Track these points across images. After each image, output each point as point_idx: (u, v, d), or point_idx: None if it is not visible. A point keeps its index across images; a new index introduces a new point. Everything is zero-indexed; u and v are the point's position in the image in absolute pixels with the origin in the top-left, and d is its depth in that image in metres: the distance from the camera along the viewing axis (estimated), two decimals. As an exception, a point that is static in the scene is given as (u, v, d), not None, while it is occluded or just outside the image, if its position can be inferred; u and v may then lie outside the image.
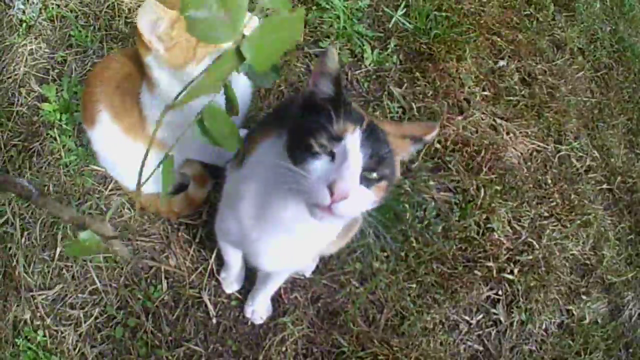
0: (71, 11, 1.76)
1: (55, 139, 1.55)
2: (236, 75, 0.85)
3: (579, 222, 1.76)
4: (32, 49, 1.71)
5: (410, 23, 1.79)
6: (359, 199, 0.71)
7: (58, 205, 0.53)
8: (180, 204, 1.39)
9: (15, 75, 1.69)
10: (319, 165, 0.71)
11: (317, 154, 0.71)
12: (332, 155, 0.71)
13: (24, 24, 1.75)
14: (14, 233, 1.48)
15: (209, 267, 1.41)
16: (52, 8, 1.76)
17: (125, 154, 1.24)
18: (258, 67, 0.49)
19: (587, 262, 1.77)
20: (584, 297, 1.72)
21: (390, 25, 1.77)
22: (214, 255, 1.41)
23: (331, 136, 0.72)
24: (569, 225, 1.75)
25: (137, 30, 1.00)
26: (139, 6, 1.73)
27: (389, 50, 1.73)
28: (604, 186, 1.89)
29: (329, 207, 0.68)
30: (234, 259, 1.32)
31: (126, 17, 1.72)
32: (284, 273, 1.25)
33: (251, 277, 1.41)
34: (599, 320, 1.71)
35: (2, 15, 1.81)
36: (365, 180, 0.72)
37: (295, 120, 0.79)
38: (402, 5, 1.81)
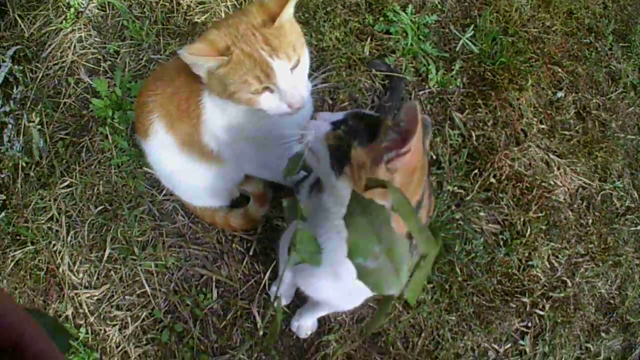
0: None
1: (106, 136, 1.49)
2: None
3: (610, 262, 1.80)
4: (81, 36, 1.62)
5: (476, 45, 1.74)
6: None
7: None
8: (238, 219, 1.38)
9: (63, 62, 1.61)
10: None
11: None
12: None
13: (72, 9, 1.64)
14: (59, 230, 1.46)
15: (263, 281, 1.42)
16: (104, -7, 1.65)
17: (180, 166, 1.20)
18: (411, 300, 0.55)
19: (612, 301, 1.83)
20: (603, 334, 1.78)
21: (457, 47, 1.72)
22: (268, 271, 1.42)
23: None
24: (601, 265, 1.79)
25: None
26: (199, 4, 1.65)
27: (454, 72, 1.69)
28: (639, 227, 1.93)
29: None
30: (288, 275, 1.33)
31: (185, 13, 1.63)
32: (333, 307, 1.27)
33: (301, 293, 1.43)
34: (612, 357, 1.79)
35: (48, -6, 1.70)
36: None
37: None
38: (470, 27, 1.75)
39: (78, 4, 1.65)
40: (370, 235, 0.49)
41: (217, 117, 1.09)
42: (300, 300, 1.42)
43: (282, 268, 1.30)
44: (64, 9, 1.66)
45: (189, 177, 1.24)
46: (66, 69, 1.60)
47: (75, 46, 1.62)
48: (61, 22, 1.64)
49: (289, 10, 0.93)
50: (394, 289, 0.49)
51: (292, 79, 0.94)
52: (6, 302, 0.44)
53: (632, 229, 1.90)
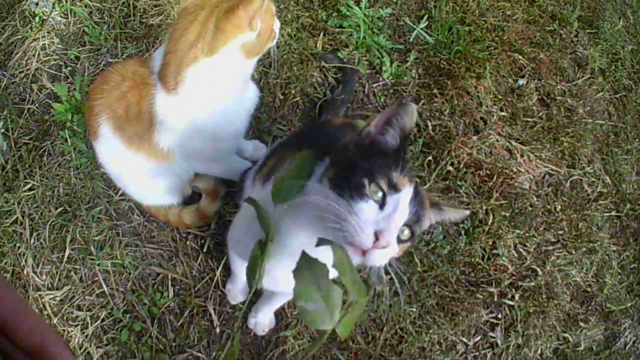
0: (85, 6, 1.72)
1: (66, 139, 1.53)
2: (245, 87, 0.92)
3: (584, 249, 1.76)
4: (44, 44, 1.68)
5: (431, 36, 1.74)
6: (390, 252, 0.73)
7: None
8: (191, 216, 1.39)
9: (27, 70, 1.67)
10: (366, 208, 0.71)
11: (366, 197, 0.72)
12: (380, 204, 0.72)
13: (37, 17, 1.71)
14: (23, 232, 1.49)
15: (216, 278, 1.42)
16: (67, 2, 1.72)
17: (128, 166, 1.24)
18: (342, 334, 0.67)
19: (589, 289, 1.78)
20: (581, 324, 1.73)
21: (411, 39, 1.73)
22: (220, 267, 1.42)
23: (390, 184, 0.73)
24: (574, 252, 1.75)
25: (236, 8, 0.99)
26: (154, 7, 1.70)
27: (408, 64, 1.69)
28: (613, 213, 1.88)
29: (363, 251, 0.71)
30: (240, 271, 1.33)
31: (141, 17, 1.67)
32: (288, 295, 1.26)
33: (256, 289, 1.43)
34: (594, 347, 1.73)
35: (15, 6, 1.78)
36: (398, 237, 0.74)
37: (346, 155, 0.79)
38: (424, 18, 1.75)
39: (42, 12, 1.72)
40: (312, 285, 0.63)
41: (173, 117, 1.13)
42: (255, 297, 1.41)
43: (233, 263, 1.30)
44: (30, 18, 1.72)
45: (138, 176, 1.27)
46: (30, 76, 1.65)
47: (39, 53, 1.67)
48: (27, 31, 1.70)
49: None
50: (327, 325, 0.64)
51: None
52: (22, 305, 0.45)
53: (606, 214, 1.86)
